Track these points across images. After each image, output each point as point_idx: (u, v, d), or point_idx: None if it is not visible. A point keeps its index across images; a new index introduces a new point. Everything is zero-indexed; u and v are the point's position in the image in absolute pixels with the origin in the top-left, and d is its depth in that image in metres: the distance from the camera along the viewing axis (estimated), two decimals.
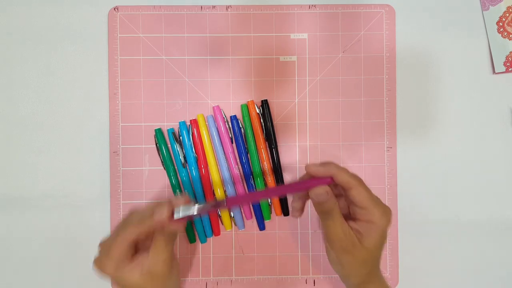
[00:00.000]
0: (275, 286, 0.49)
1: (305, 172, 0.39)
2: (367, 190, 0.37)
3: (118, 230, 0.38)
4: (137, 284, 0.37)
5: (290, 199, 0.48)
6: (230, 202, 0.39)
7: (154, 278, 0.38)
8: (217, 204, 0.38)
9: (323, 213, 0.37)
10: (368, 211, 0.36)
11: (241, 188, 0.48)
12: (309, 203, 0.49)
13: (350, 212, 0.39)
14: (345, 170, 0.37)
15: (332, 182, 0.36)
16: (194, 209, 0.37)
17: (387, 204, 0.48)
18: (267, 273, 0.49)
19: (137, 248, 0.39)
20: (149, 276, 0.37)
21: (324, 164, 0.37)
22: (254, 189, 0.48)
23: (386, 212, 0.37)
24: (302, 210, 0.40)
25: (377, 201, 0.37)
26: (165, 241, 0.37)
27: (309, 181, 0.37)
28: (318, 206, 0.37)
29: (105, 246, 0.38)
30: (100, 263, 0.38)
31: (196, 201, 0.47)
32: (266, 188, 0.40)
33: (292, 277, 0.49)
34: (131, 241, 0.37)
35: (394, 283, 0.49)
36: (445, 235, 0.49)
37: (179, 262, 0.47)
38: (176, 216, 0.37)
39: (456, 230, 0.49)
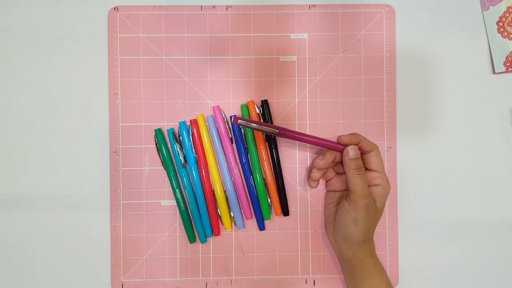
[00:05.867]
0: (275, 286, 0.49)
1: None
2: (381, 157, 0.45)
3: None
4: None
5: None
6: (282, 131, 0.44)
7: None
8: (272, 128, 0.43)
9: (355, 170, 0.43)
10: (381, 175, 0.44)
11: (241, 188, 0.48)
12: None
13: None
14: (366, 138, 0.45)
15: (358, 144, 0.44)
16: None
17: (386, 204, 0.49)
18: (267, 273, 0.49)
19: None
20: None
21: (352, 134, 0.45)
22: (254, 189, 0.48)
23: (388, 181, 0.45)
24: (318, 181, 0.46)
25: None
26: None
27: (340, 144, 0.45)
28: (352, 162, 0.43)
29: None
30: None
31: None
32: (311, 135, 0.45)
33: (292, 277, 0.49)
34: None
35: (394, 283, 0.49)
36: (445, 235, 0.49)
37: (180, 262, 0.48)
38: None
39: (456, 230, 0.49)
